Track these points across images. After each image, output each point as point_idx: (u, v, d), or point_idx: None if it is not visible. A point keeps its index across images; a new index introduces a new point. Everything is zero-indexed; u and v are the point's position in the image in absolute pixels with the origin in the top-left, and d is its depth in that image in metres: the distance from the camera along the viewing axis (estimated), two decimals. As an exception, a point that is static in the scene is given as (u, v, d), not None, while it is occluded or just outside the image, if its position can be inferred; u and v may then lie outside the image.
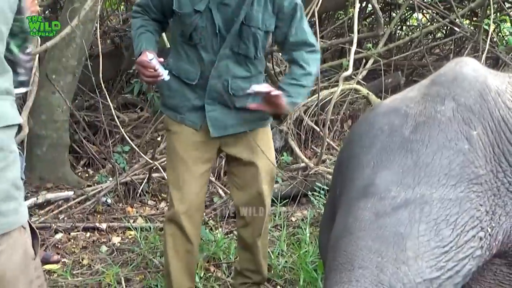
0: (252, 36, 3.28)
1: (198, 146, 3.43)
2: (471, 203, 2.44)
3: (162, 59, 3.23)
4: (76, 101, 7.01)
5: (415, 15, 7.69)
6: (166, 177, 4.43)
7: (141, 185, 5.59)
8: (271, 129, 5.68)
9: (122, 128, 5.57)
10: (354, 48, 4.69)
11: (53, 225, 4.97)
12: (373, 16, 8.24)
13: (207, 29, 3.25)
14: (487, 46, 5.33)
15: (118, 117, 5.91)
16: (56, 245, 4.79)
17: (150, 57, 3.16)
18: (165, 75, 3.20)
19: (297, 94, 3.34)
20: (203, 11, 3.22)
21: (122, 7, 8.27)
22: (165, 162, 3.87)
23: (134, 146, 5.33)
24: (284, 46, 3.42)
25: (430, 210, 2.39)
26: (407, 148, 2.54)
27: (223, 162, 5.52)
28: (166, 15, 3.40)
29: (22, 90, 2.26)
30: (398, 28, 8.83)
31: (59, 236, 4.90)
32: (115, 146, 6.32)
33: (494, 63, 7.27)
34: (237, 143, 3.49)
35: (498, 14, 7.64)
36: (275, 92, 3.22)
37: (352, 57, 4.71)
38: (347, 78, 5.74)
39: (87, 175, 6.25)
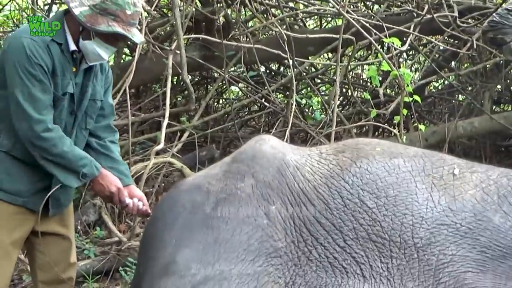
0: (96, 110, 3.23)
1: (20, 228, 3.21)
2: (269, 276, 2.53)
3: None
4: None
5: (233, 87, 7.89)
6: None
7: None
8: (85, 203, 5.62)
9: None
10: (166, 122, 4.76)
11: None
12: (190, 89, 8.39)
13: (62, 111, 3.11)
14: (291, 120, 5.54)
15: None
16: None
17: None
18: None
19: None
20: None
21: None
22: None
23: None
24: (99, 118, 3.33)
25: (228, 286, 2.45)
26: (208, 225, 2.60)
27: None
28: None
29: None
30: (215, 101, 9.04)
31: None
32: None
33: (304, 136, 7.61)
34: (53, 218, 3.32)
35: (308, 89, 8.05)
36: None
37: (163, 131, 4.77)
38: (163, 151, 5.78)
39: None
